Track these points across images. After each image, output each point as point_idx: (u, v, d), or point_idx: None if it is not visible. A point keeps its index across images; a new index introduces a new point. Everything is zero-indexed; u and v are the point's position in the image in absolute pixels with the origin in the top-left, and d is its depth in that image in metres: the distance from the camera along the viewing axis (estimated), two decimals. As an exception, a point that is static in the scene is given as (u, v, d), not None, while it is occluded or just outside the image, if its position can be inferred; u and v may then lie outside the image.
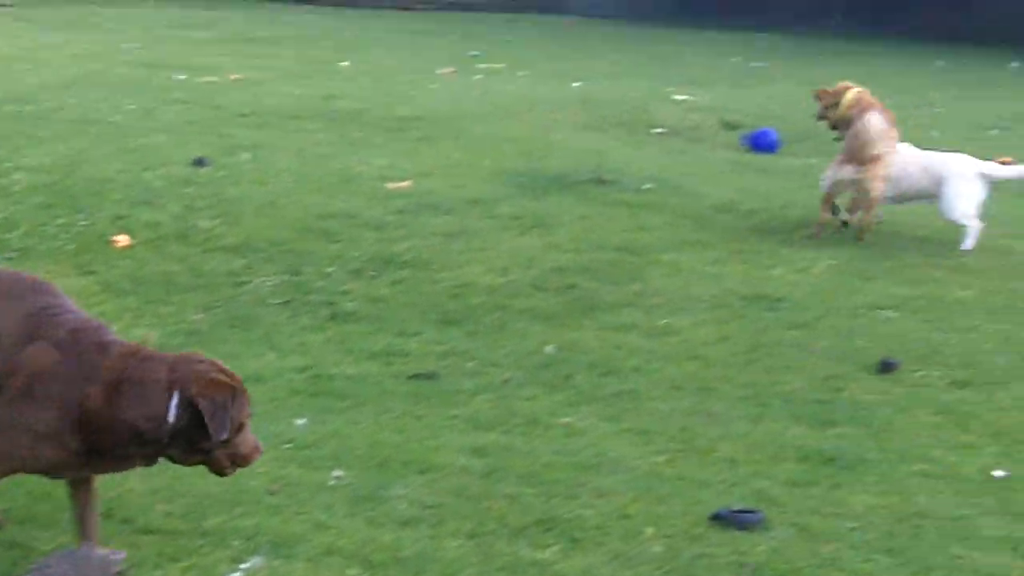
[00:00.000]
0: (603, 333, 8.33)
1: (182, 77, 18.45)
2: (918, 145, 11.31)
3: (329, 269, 9.34)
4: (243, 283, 8.98)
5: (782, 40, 44.49)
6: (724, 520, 5.60)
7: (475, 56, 30.26)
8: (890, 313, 8.82)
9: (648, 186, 12.20)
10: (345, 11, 48.70)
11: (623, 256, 9.89)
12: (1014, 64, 37.12)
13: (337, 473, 5.99)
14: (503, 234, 10.37)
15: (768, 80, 26.36)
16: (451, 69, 25.00)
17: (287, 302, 8.70)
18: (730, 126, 17.76)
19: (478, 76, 23.76)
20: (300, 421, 6.65)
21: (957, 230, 10.82)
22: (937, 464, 6.41)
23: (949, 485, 6.18)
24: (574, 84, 22.89)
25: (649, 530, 5.52)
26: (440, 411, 6.92)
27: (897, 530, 5.65)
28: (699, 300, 9.00)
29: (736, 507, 5.75)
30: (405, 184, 11.82)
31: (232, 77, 18.89)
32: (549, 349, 7.99)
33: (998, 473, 6.32)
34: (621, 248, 10.08)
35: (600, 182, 12.19)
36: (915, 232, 11.06)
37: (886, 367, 7.72)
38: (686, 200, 11.73)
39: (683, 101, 19.61)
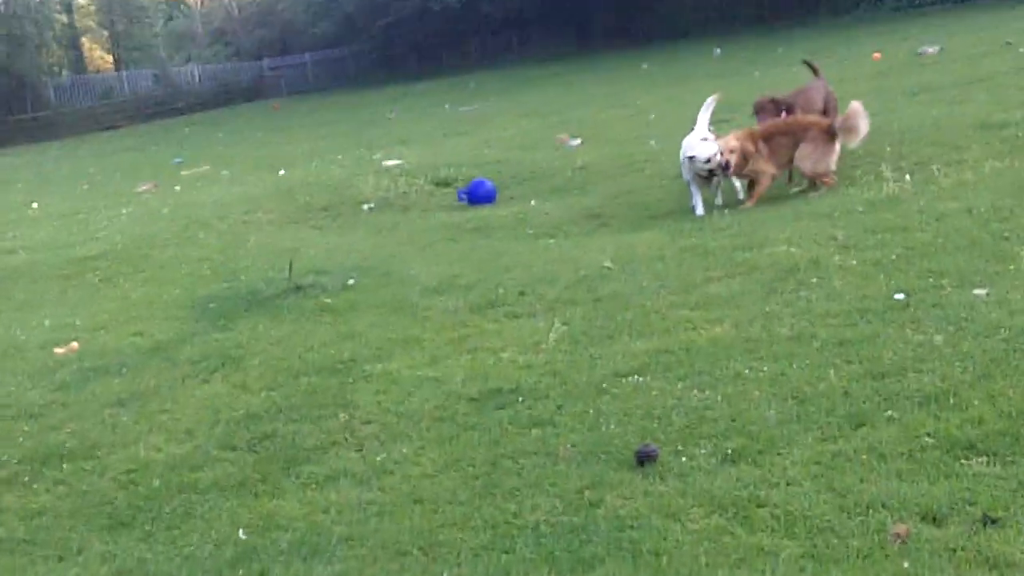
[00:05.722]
0: (307, 493, 6.72)
1: None
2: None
3: (-28, 486, 7.56)
4: None
5: (489, 78, 43.82)
6: None
7: (178, 163, 28.58)
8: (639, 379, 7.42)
9: (352, 280, 10.67)
10: (50, 145, 46.47)
11: (325, 380, 8.30)
12: (717, 50, 37.09)
13: None
14: (185, 385, 8.71)
15: (479, 123, 25.19)
16: (151, 184, 23.37)
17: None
18: (443, 183, 16.48)
19: (178, 187, 22.10)
20: None
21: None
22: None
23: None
24: (280, 172, 21.38)
25: None
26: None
27: None
28: (418, 417, 7.46)
29: None
30: (73, 347, 10.11)
31: None
32: (241, 535, 6.37)
33: None
34: (322, 369, 8.50)
35: (297, 289, 10.62)
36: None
37: (644, 459, 6.26)
38: (395, 289, 10.23)
39: (392, 167, 18.22)
